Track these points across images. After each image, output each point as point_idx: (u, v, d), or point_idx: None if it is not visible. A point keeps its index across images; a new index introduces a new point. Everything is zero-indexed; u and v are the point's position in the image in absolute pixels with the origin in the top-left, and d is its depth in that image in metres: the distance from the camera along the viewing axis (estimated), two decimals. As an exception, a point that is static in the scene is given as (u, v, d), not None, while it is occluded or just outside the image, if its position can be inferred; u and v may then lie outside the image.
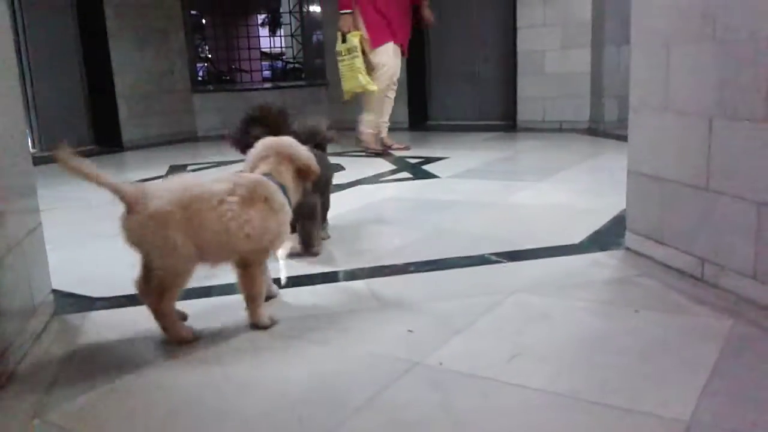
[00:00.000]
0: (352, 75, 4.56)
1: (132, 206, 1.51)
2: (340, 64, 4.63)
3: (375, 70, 4.65)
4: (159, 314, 1.57)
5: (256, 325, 1.67)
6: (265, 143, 1.77)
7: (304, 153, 1.77)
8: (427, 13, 4.83)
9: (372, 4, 4.59)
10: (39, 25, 5.50)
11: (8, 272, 1.50)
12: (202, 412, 1.29)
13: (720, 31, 1.62)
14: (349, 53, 4.53)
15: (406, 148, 4.91)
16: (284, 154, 1.73)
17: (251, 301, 1.68)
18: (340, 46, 4.60)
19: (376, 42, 4.60)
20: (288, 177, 1.72)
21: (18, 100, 1.74)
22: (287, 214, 1.68)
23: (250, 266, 1.65)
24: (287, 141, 1.78)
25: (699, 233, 1.79)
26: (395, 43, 4.71)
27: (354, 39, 4.50)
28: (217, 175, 1.68)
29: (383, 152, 4.80)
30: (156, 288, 1.54)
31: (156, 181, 1.50)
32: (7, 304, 1.50)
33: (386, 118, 4.99)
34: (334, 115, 7.03)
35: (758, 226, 1.57)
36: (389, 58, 4.67)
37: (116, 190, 1.53)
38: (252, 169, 1.73)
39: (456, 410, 1.24)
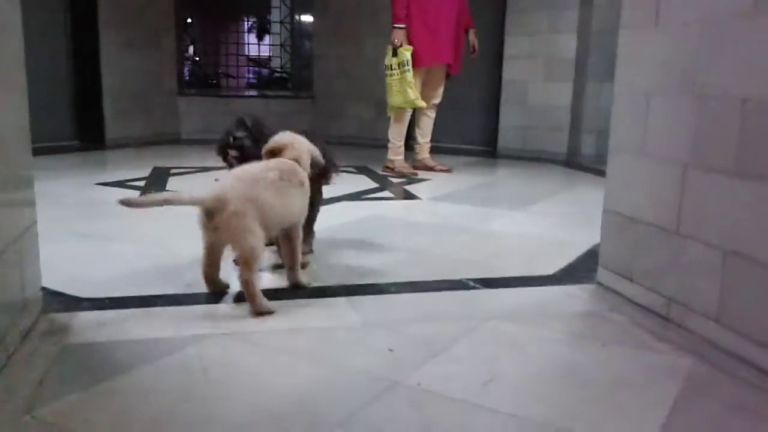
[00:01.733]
0: (401, 89, 4.52)
1: (214, 211, 1.85)
2: (387, 78, 4.59)
3: None
4: (248, 284, 1.88)
5: (297, 285, 2.12)
6: (286, 135, 2.14)
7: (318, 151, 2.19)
8: (473, 40, 4.87)
9: (422, 19, 4.54)
10: (28, 15, 5.47)
11: (5, 268, 1.55)
12: (187, 419, 1.34)
13: (698, 88, 1.74)
14: (400, 67, 4.49)
15: (448, 171, 4.92)
16: (304, 149, 2.13)
17: (292, 267, 2.12)
18: (389, 60, 4.56)
19: (419, 63, 4.57)
20: (307, 166, 2.12)
21: (24, 95, 1.76)
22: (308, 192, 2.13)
23: (291, 237, 2.09)
24: (304, 138, 2.18)
25: (667, 274, 1.89)
26: (441, 62, 4.69)
27: (406, 53, 4.48)
28: (265, 164, 2.03)
29: (414, 173, 4.78)
30: (243, 265, 1.88)
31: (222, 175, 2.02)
32: (2, 298, 1.54)
33: (428, 138, 5.01)
34: (318, 128, 7.13)
35: (723, 272, 1.68)
36: (418, 80, 4.65)
37: (197, 202, 1.87)
38: (273, 153, 2.09)
39: (434, 430, 1.31)
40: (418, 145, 5.04)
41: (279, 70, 9.76)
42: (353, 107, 6.90)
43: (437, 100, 4.92)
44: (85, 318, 1.84)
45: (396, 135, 4.83)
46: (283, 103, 7.52)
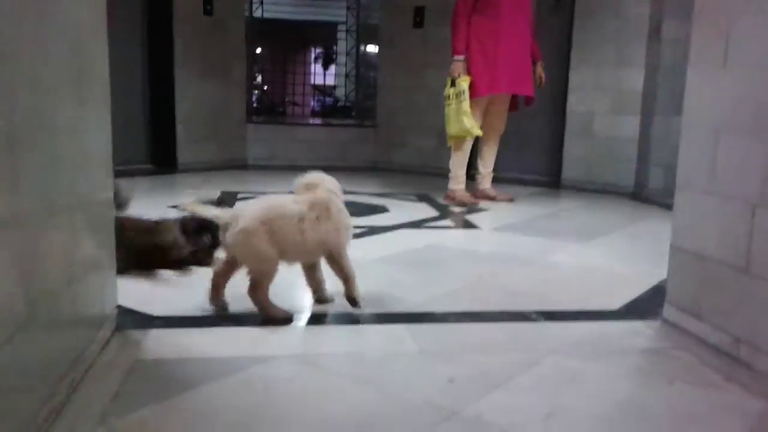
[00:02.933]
0: (458, 119, 4.60)
1: (229, 227, 2.01)
2: (446, 109, 4.68)
3: None
4: (256, 301, 2.05)
5: (352, 300, 2.20)
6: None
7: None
8: (540, 72, 4.89)
9: (481, 51, 4.62)
10: (111, 47, 5.79)
11: (87, 285, 1.64)
12: (253, 436, 1.39)
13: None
14: (457, 97, 4.58)
15: (510, 200, 4.92)
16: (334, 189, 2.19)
17: (346, 282, 2.19)
18: (448, 90, 4.66)
19: (475, 93, 4.64)
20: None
21: (108, 122, 1.87)
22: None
23: (334, 260, 2.16)
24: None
25: (736, 313, 1.84)
26: (499, 92, 4.71)
27: (464, 83, 4.58)
28: (295, 197, 2.13)
29: (475, 203, 4.79)
30: (251, 283, 2.04)
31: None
32: (83, 314, 1.63)
33: (490, 168, 5.05)
34: (380, 157, 7.23)
35: (796, 313, 1.63)
36: (476, 111, 4.67)
37: (218, 217, 2.08)
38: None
39: (492, 461, 1.31)
40: (479, 175, 5.06)
41: (343, 99, 9.95)
42: (415, 137, 6.96)
43: (500, 131, 4.93)
44: (156, 335, 1.92)
45: (457, 164, 4.86)
46: (347, 131, 7.65)
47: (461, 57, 4.62)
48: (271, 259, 2.01)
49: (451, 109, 4.64)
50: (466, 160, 4.88)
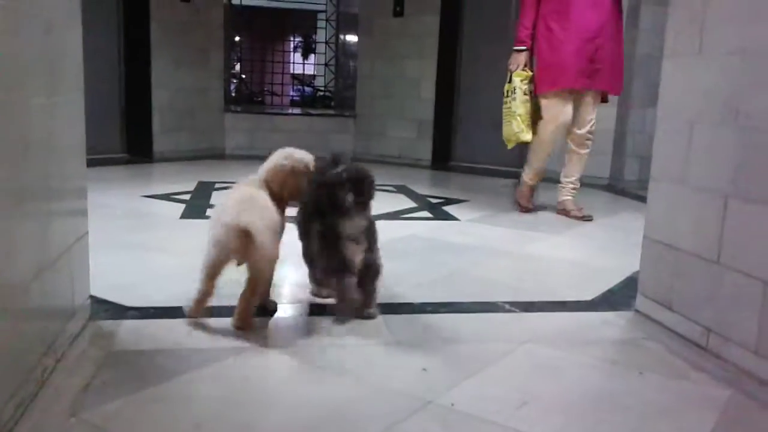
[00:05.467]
0: (507, 120, 3.95)
1: None
2: (503, 107, 4.00)
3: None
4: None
5: None
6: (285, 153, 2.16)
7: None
8: None
9: (547, 38, 3.84)
10: (84, 33, 5.70)
11: (57, 275, 1.62)
12: (227, 425, 1.38)
13: (741, 118, 1.73)
14: (509, 95, 3.93)
15: (589, 219, 3.98)
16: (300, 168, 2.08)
17: None
18: (506, 86, 3.96)
19: (539, 87, 3.89)
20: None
21: (81, 110, 1.85)
22: None
23: None
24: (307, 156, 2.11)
25: (706, 304, 1.87)
26: (567, 86, 3.83)
27: (516, 79, 3.89)
28: None
29: (528, 210, 4.19)
30: None
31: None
32: (54, 304, 1.61)
33: (573, 177, 4.13)
34: (359, 147, 7.21)
35: (763, 303, 1.65)
36: (554, 107, 3.88)
37: None
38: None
39: (464, 450, 1.32)
40: (560, 185, 4.25)
41: (323, 88, 9.90)
42: (395, 127, 6.95)
43: (582, 130, 4.03)
44: (130, 326, 1.91)
45: (533, 151, 4.13)
46: (326, 121, 7.61)
47: (520, 47, 3.90)
48: None
49: (504, 108, 3.97)
50: (547, 149, 4.07)
